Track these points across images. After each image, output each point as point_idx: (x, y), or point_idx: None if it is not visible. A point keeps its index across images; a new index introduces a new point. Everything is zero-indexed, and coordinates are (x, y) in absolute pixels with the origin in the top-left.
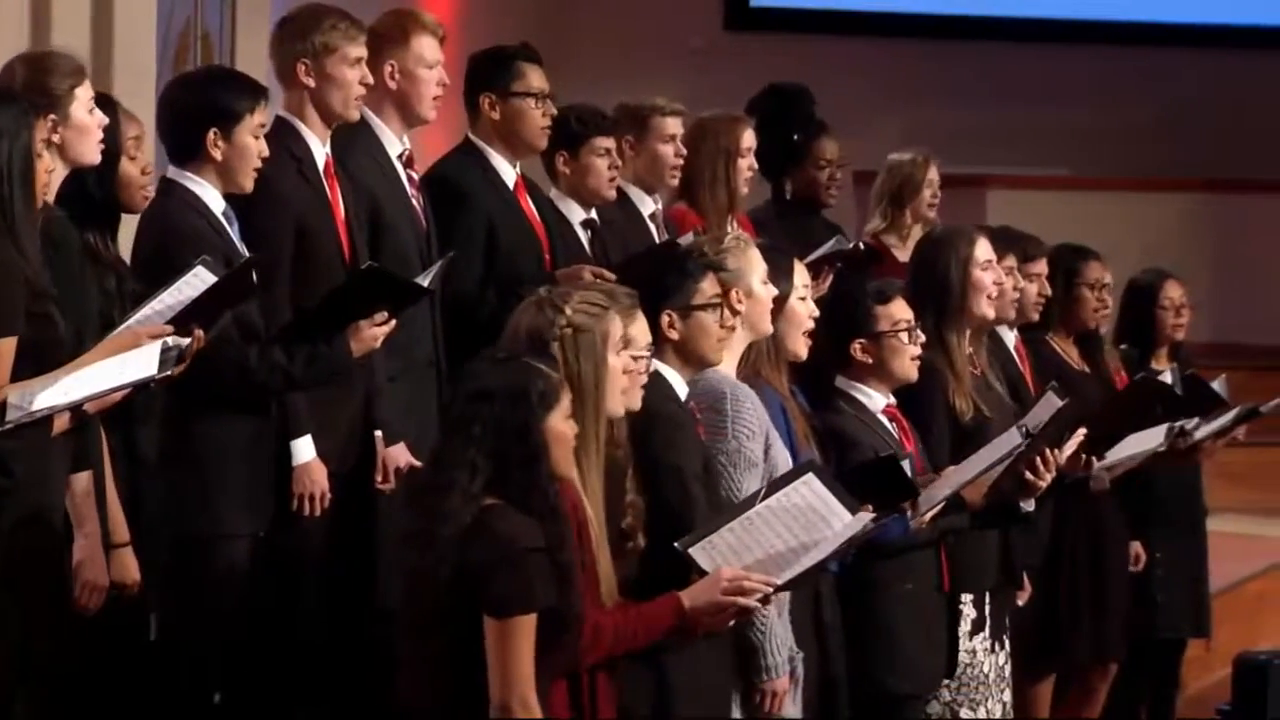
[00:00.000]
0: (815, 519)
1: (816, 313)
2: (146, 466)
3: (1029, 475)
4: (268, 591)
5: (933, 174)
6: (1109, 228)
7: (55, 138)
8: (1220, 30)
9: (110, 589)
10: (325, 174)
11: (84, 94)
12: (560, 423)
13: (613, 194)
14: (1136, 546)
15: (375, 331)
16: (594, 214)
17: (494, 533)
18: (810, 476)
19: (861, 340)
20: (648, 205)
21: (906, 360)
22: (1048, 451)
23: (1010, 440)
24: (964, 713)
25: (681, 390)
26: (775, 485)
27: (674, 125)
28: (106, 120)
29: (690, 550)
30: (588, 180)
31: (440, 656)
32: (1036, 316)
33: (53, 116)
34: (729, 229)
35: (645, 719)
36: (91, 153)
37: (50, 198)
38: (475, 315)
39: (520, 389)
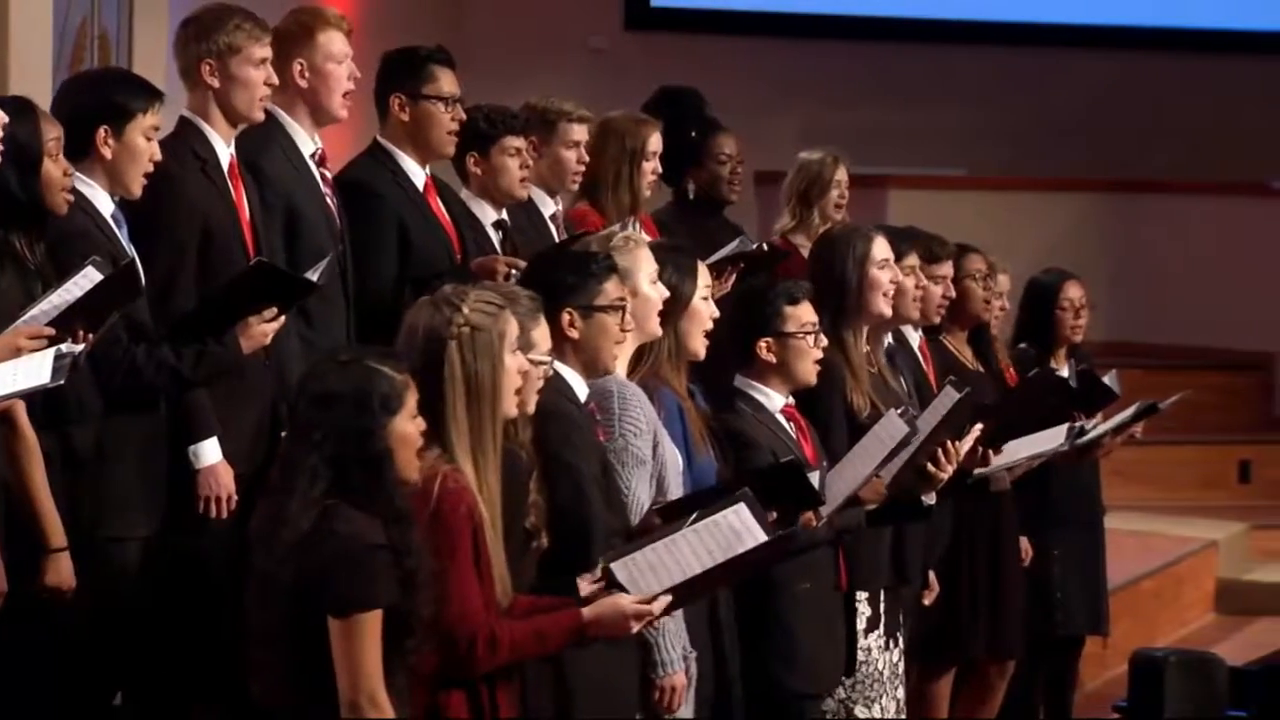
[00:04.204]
0: (734, 541)
1: (717, 313)
2: (85, 468)
3: (930, 468)
4: (172, 593)
5: (841, 174)
6: (1007, 228)
7: None
8: (1120, 32)
9: (44, 593)
10: (230, 175)
11: None
12: (405, 424)
13: (524, 194)
14: (1024, 543)
15: (265, 328)
16: (505, 214)
17: (333, 532)
18: (741, 506)
19: (768, 339)
20: (549, 207)
21: (809, 363)
22: (949, 444)
23: (895, 428)
24: (859, 710)
25: (581, 391)
26: (707, 511)
27: (580, 132)
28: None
29: (612, 566)
30: (499, 180)
31: (290, 660)
32: (938, 319)
33: None
34: (629, 229)
35: None
36: None
37: None
38: (393, 314)
39: (362, 394)
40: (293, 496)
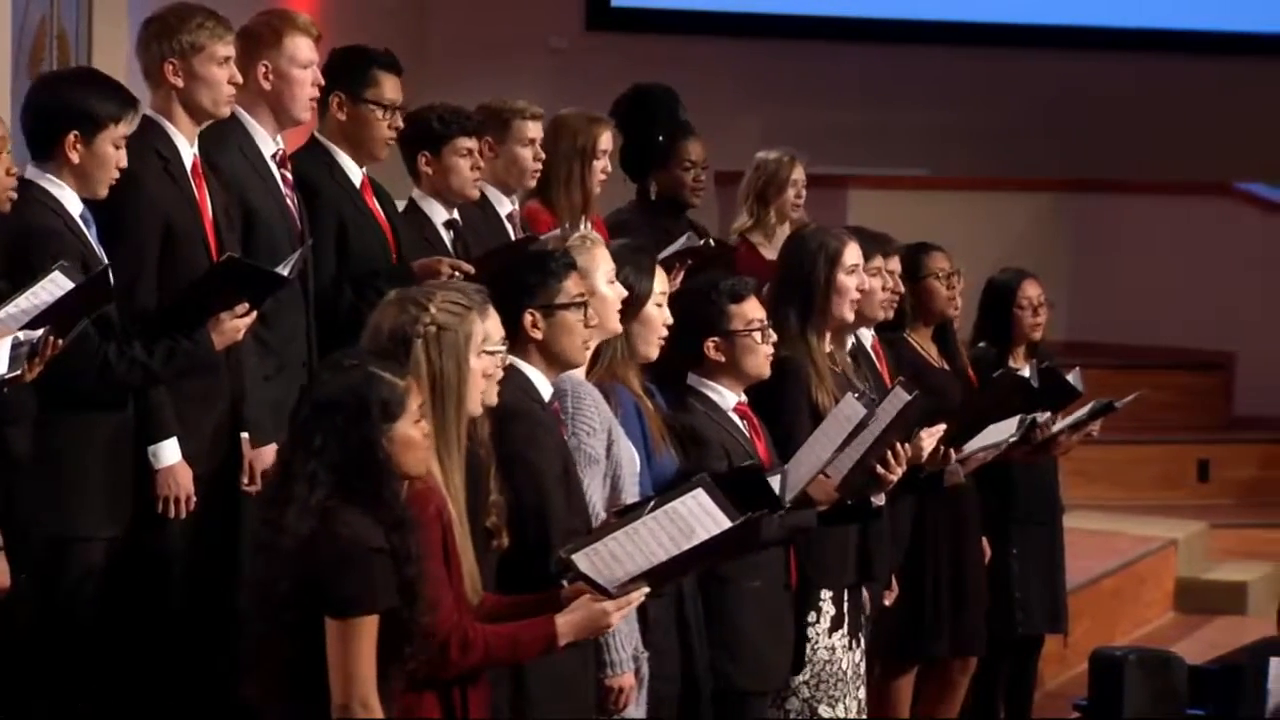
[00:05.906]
0: (696, 526)
1: (670, 319)
2: (20, 468)
3: (879, 469)
4: (132, 594)
5: (798, 173)
6: (967, 227)
7: None
8: (1076, 32)
9: None
10: (193, 174)
11: None
12: (409, 428)
13: (475, 194)
14: (984, 542)
15: (237, 323)
16: (456, 214)
17: (335, 534)
18: (699, 492)
19: (715, 339)
20: (505, 206)
21: (760, 358)
22: (898, 445)
23: (853, 410)
24: (823, 710)
25: (545, 390)
26: (665, 498)
27: (534, 129)
28: None
29: (574, 557)
30: (450, 180)
31: (284, 665)
32: (884, 315)
33: None
34: (582, 229)
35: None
36: None
37: None
38: (333, 311)
39: (361, 401)
40: (291, 504)
